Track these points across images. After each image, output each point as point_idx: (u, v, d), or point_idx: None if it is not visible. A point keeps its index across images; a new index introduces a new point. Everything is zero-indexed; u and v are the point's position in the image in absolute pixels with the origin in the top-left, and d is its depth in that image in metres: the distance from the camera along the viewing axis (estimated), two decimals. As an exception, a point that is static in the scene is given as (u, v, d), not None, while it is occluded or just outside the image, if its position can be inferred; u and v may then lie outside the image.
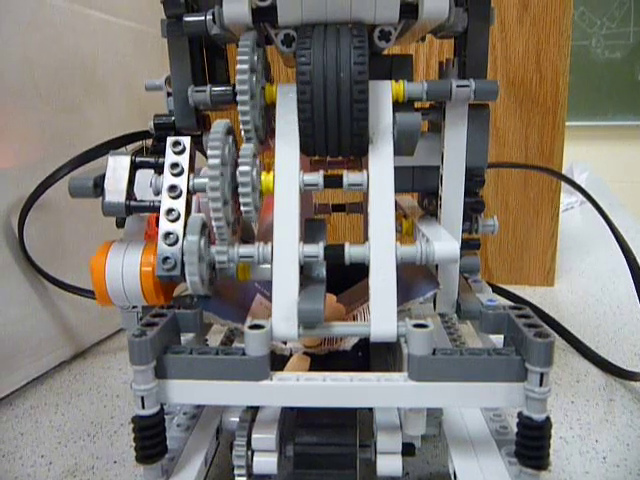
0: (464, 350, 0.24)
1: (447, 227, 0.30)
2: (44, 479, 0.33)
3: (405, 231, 0.32)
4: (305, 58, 0.25)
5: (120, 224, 0.30)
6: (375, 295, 0.25)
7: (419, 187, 0.31)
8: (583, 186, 0.51)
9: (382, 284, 0.25)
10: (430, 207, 0.32)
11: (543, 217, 0.67)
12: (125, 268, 0.27)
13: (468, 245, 0.32)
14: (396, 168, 0.28)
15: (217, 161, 0.25)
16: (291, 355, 0.30)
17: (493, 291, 0.52)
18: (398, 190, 0.29)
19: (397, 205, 0.36)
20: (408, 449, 0.27)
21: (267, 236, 0.28)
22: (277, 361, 0.29)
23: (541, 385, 0.22)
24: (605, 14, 1.79)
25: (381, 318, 0.25)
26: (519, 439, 0.24)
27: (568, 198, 1.15)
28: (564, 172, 0.79)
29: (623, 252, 0.43)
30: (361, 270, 0.26)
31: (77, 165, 0.44)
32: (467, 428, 0.28)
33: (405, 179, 0.31)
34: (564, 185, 0.63)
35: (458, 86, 0.27)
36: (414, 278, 0.31)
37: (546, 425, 0.23)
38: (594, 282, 0.70)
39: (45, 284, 0.46)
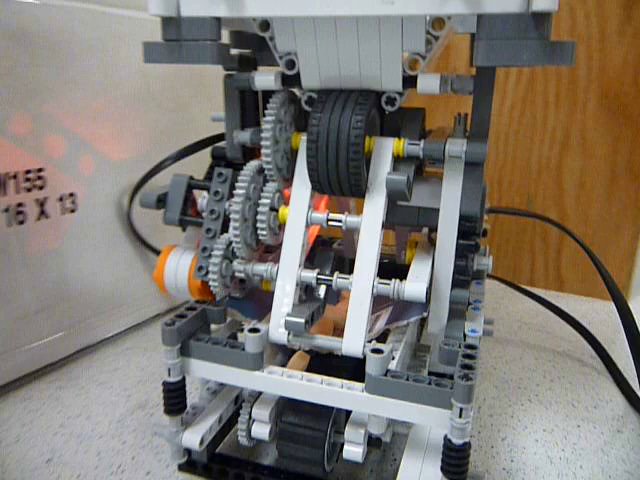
0: (410, 376, 0.29)
1: (440, 264, 0.34)
2: (122, 407, 0.45)
3: (408, 260, 0.37)
4: (315, 120, 0.31)
5: (184, 228, 0.39)
6: (350, 319, 0.31)
7: (423, 223, 0.36)
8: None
9: (357, 312, 0.31)
10: (433, 240, 0.37)
11: (624, 233, 0.65)
12: (178, 269, 0.36)
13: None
14: (405, 206, 0.34)
15: (243, 192, 0.32)
16: (299, 349, 0.37)
17: (542, 304, 0.54)
18: (405, 224, 0.35)
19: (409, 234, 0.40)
20: (375, 442, 0.34)
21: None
22: (289, 353, 0.37)
23: (460, 417, 0.27)
24: None
25: (352, 338, 0.31)
26: (443, 457, 0.29)
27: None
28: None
29: None
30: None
31: (177, 159, 0.53)
32: (429, 437, 0.33)
33: (412, 216, 0.35)
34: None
35: (450, 152, 0.31)
36: (411, 302, 0.36)
37: (464, 449, 0.28)
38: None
39: (147, 252, 0.57)
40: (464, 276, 0.35)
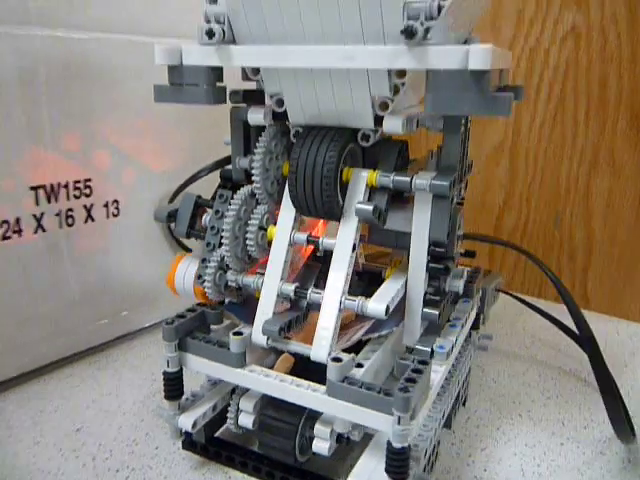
0: (364, 384, 0.33)
1: (412, 283, 0.38)
2: (147, 389, 0.51)
3: (386, 277, 0.40)
4: (295, 154, 0.35)
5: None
6: (319, 330, 0.35)
7: (401, 245, 0.39)
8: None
9: (326, 323, 0.35)
10: (412, 261, 0.40)
11: (652, 256, 0.65)
12: (186, 276, 0.41)
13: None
14: (384, 229, 0.38)
15: (233, 213, 0.37)
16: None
17: (547, 319, 0.55)
18: (385, 245, 0.39)
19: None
20: (342, 439, 0.37)
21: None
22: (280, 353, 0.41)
23: (399, 424, 0.31)
24: None
25: (319, 346, 0.35)
26: (386, 459, 0.32)
27: None
28: None
29: None
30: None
31: (211, 170, 0.59)
32: (392, 438, 0.37)
33: (390, 238, 0.39)
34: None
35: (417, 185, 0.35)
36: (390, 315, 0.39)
37: (403, 452, 0.31)
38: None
39: (183, 253, 0.63)
40: (435, 296, 0.38)
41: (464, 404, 0.50)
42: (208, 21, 0.33)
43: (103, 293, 0.57)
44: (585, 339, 0.44)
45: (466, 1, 0.33)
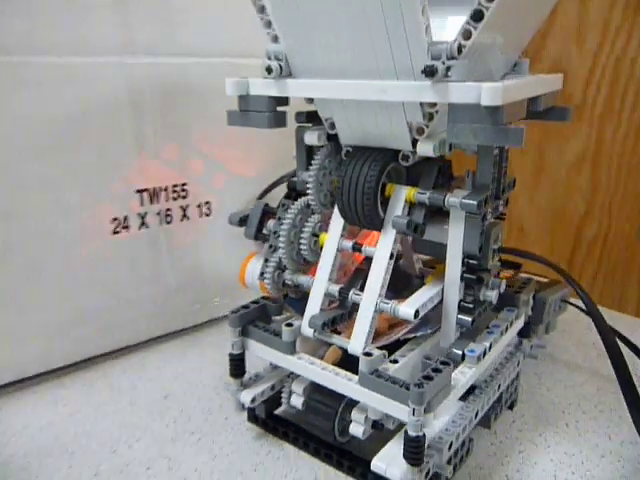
0: (391, 377, 0.37)
1: (448, 291, 0.41)
2: (225, 367, 0.59)
3: (427, 282, 0.44)
4: (342, 172, 0.40)
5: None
6: (356, 327, 0.40)
7: (438, 254, 0.42)
8: None
9: (363, 320, 0.40)
10: (450, 270, 0.43)
11: None
12: (253, 272, 0.48)
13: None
14: (425, 240, 0.42)
15: (289, 221, 0.43)
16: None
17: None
18: (424, 253, 0.43)
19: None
20: (378, 425, 0.42)
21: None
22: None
23: (413, 415, 0.35)
24: None
25: (356, 341, 0.40)
26: (403, 445, 0.36)
27: None
28: None
29: None
30: None
31: (292, 176, 0.65)
32: (422, 429, 0.41)
33: (428, 247, 0.43)
34: None
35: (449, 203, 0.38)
36: (427, 317, 0.43)
37: (418, 440, 0.35)
38: None
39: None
40: (468, 304, 0.41)
41: (511, 408, 0.52)
42: (269, 58, 0.39)
43: (195, 282, 0.65)
44: (609, 345, 0.45)
45: (507, 23, 0.35)
